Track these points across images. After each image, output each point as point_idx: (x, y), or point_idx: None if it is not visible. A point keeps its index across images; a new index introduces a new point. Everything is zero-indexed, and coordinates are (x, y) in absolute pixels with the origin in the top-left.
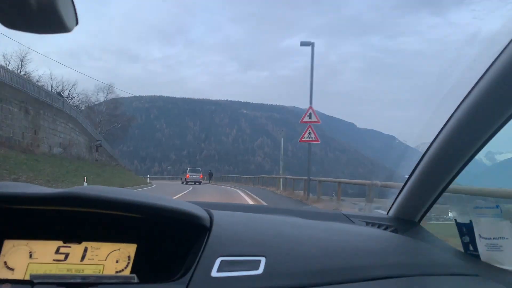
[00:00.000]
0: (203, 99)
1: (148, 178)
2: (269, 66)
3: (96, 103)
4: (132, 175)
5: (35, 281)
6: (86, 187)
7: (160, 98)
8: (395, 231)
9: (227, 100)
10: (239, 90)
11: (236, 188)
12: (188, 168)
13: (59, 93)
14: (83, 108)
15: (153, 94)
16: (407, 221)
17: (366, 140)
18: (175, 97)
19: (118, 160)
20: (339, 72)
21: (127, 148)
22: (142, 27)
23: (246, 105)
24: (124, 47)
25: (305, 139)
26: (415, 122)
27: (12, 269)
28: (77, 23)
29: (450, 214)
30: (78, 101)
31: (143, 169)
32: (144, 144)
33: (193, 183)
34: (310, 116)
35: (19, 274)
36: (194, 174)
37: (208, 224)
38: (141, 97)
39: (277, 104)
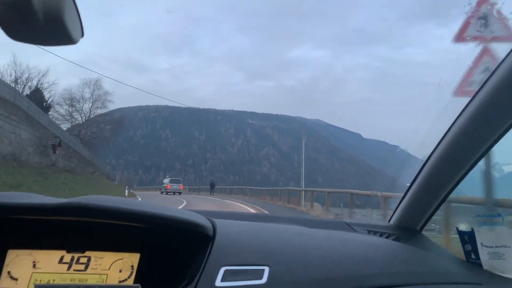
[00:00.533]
0: (209, 108)
1: (126, 191)
2: (275, 76)
3: (82, 100)
4: (111, 187)
5: None
6: (89, 197)
7: (166, 107)
8: (397, 239)
9: (233, 110)
10: (245, 100)
11: (248, 205)
12: (170, 179)
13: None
14: (65, 106)
15: (159, 104)
16: (409, 229)
17: (372, 151)
18: (181, 107)
19: (101, 167)
20: (345, 82)
21: (132, 158)
22: (150, 38)
23: (252, 115)
24: (131, 58)
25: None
26: (418, 131)
27: (16, 279)
28: (82, 35)
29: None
30: (50, 94)
31: (148, 179)
32: (149, 154)
33: (172, 193)
34: (485, 22)
35: (22, 284)
36: (175, 184)
37: (211, 233)
38: (147, 106)
39: (283, 114)
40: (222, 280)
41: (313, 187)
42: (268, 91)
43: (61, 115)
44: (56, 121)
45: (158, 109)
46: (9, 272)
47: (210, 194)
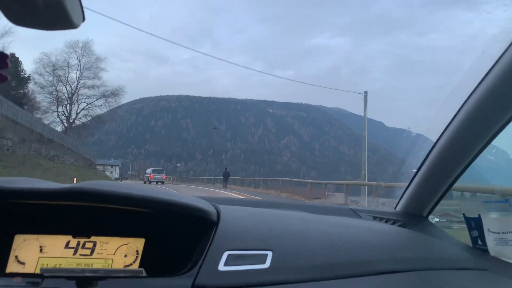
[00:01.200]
0: (229, 98)
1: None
2: (294, 66)
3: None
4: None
5: (45, 274)
6: (94, 182)
7: (187, 97)
8: (403, 225)
9: (252, 99)
10: (265, 90)
11: None
12: (152, 169)
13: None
14: (46, 75)
15: (179, 94)
16: (415, 215)
17: (395, 139)
18: (201, 97)
19: (81, 152)
20: (367, 70)
21: (154, 148)
22: (170, 30)
23: (272, 104)
24: (152, 49)
25: None
26: (433, 118)
27: (23, 263)
28: (83, 19)
29: None
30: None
31: (169, 168)
32: (170, 144)
33: (155, 182)
34: None
35: (30, 268)
36: (158, 174)
37: (215, 218)
38: (167, 96)
39: (304, 102)
40: (225, 264)
41: (336, 177)
42: (288, 80)
43: (41, 87)
44: (36, 95)
45: (178, 98)
46: (16, 257)
47: (223, 186)
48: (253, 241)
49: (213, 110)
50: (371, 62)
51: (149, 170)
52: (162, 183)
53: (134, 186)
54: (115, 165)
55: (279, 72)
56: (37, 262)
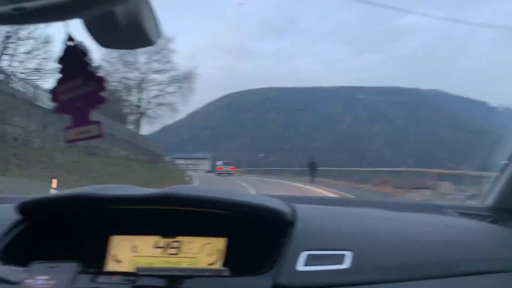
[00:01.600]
0: (315, 87)
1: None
2: (385, 47)
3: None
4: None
5: (140, 273)
6: (178, 187)
7: (273, 89)
8: (493, 222)
9: (339, 86)
10: (352, 76)
11: None
12: (222, 161)
13: None
14: (113, 60)
15: (265, 86)
16: (507, 210)
17: (501, 120)
18: (287, 87)
19: (148, 145)
20: (466, 46)
21: (242, 141)
22: (255, 24)
23: (360, 89)
24: (239, 45)
25: None
26: None
27: (120, 262)
28: (160, 36)
29: None
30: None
31: (258, 160)
32: (259, 136)
33: (227, 174)
34: None
35: (125, 266)
36: (227, 166)
37: (292, 218)
38: (255, 90)
39: (396, 86)
40: (304, 264)
41: (434, 164)
42: (377, 64)
43: (109, 74)
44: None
45: (265, 91)
46: (113, 256)
47: (311, 181)
48: (331, 241)
49: (299, 100)
50: (472, 37)
51: (219, 163)
52: (232, 174)
53: (215, 189)
54: (206, 158)
55: (367, 56)
56: (131, 261)
